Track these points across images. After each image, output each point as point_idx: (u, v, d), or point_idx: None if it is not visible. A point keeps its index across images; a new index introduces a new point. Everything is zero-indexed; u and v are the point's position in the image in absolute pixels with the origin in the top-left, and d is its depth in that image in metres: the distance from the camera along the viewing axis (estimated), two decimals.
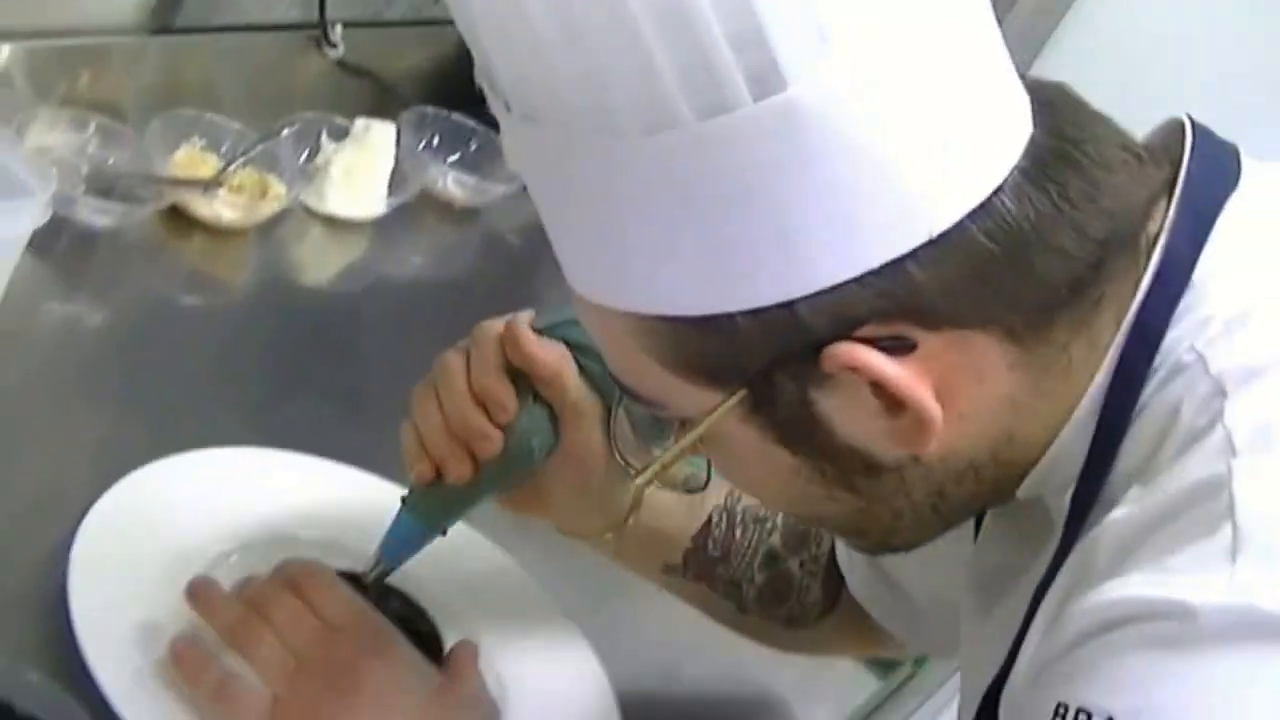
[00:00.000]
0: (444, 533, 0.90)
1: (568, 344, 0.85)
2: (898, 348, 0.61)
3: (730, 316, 0.61)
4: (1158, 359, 0.64)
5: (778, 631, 1.01)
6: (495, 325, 0.85)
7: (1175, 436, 0.62)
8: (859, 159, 0.58)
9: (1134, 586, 0.59)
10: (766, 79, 0.56)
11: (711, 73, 0.56)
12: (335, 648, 0.83)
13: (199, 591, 0.86)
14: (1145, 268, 0.65)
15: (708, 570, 0.96)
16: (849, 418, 0.64)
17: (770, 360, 0.62)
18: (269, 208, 1.32)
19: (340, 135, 1.42)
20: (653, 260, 0.61)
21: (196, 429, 1.03)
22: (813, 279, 0.60)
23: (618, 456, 0.80)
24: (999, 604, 0.74)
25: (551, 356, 0.84)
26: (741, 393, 0.64)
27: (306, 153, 1.40)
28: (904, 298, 0.60)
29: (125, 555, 0.89)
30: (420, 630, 0.94)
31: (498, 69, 0.61)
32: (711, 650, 1.12)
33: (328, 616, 0.84)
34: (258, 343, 1.23)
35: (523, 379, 0.85)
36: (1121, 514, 0.62)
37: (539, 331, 0.85)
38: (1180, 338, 0.64)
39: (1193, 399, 0.62)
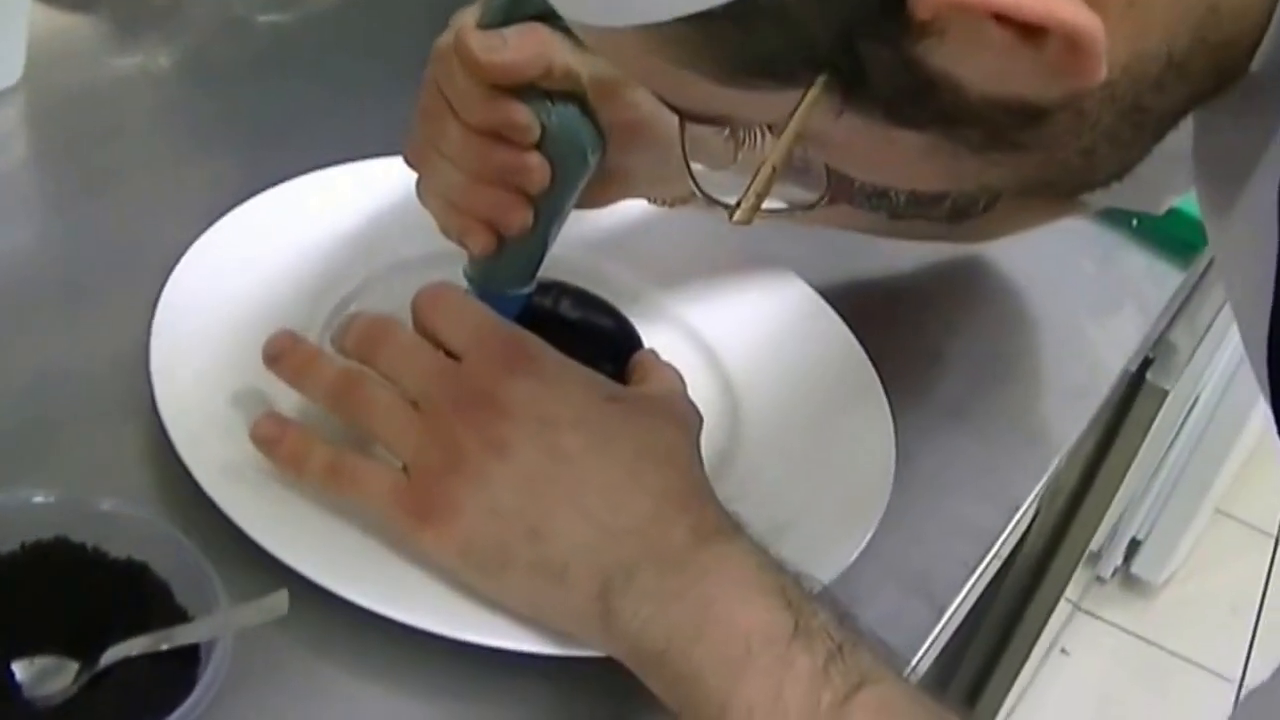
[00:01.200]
0: (534, 282, 0.70)
1: (540, 17, 0.64)
2: None
3: None
4: None
5: (938, 227, 0.84)
6: (451, 44, 0.64)
7: None
8: None
9: None
10: None
11: None
12: (464, 379, 0.64)
13: (280, 351, 0.66)
14: None
15: (843, 190, 0.77)
16: (976, 68, 0.46)
17: (844, 30, 0.45)
18: None
19: None
20: None
21: (311, 153, 0.84)
22: None
23: (698, 193, 0.61)
24: (1240, 196, 0.54)
25: (530, 51, 0.63)
26: (821, 80, 0.47)
27: None
28: None
29: (220, 320, 0.72)
30: (602, 329, 0.74)
31: None
32: (967, 289, 0.93)
33: (449, 343, 0.65)
34: (364, 43, 1.03)
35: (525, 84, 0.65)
36: None
37: (500, 24, 0.64)
38: None
39: None
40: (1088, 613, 2.22)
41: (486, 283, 0.69)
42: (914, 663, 0.69)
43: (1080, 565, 1.27)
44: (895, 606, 0.70)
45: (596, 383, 0.66)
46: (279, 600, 0.57)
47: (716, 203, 0.59)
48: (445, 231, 0.69)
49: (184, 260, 0.74)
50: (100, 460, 0.67)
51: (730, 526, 0.62)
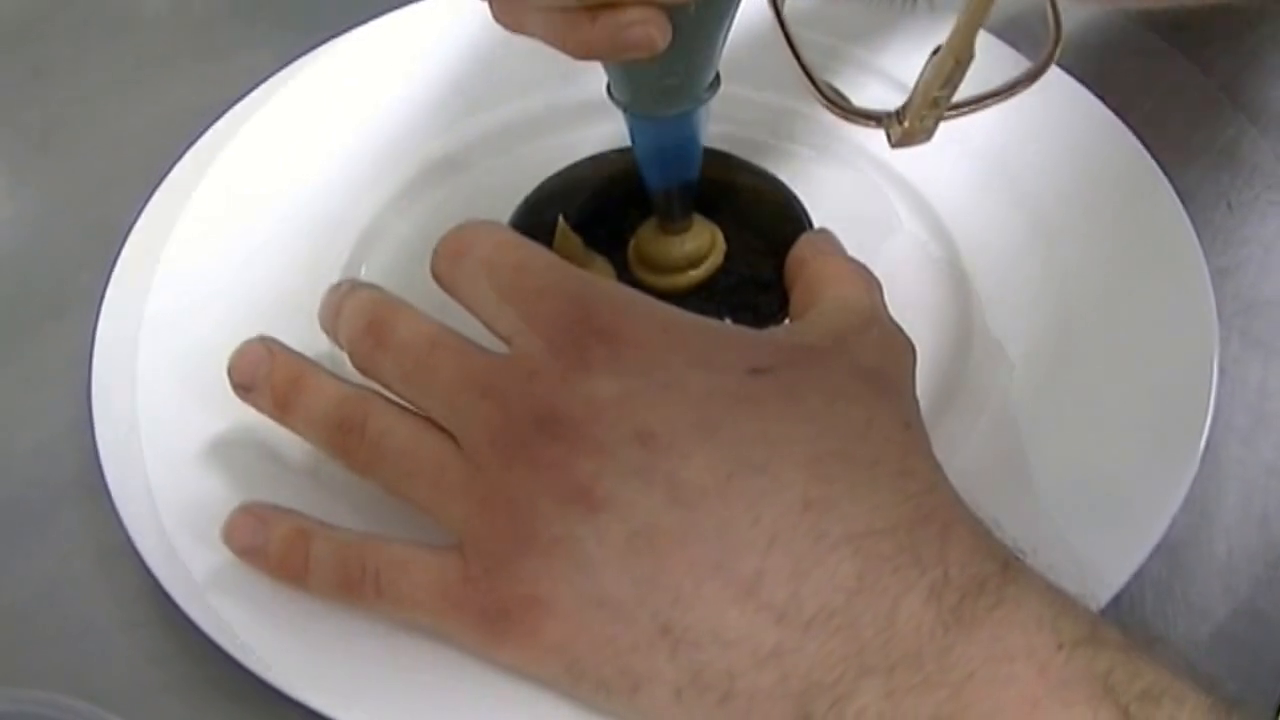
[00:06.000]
0: (714, 86, 0.44)
1: None
2: None
3: None
4: None
5: None
6: None
7: None
8: None
9: None
10: None
11: None
12: (514, 387, 0.40)
13: (252, 375, 0.43)
14: None
15: None
16: None
17: None
18: None
19: None
20: None
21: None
22: None
23: (820, 96, 0.38)
24: None
25: None
26: None
27: None
28: None
29: (195, 328, 0.49)
30: (744, 205, 0.50)
31: None
32: None
33: (489, 323, 0.42)
34: None
35: None
36: None
37: None
38: None
39: None
40: None
41: (661, 97, 0.43)
42: None
43: None
44: None
45: (729, 344, 0.42)
46: None
47: (859, 116, 0.34)
48: (577, 50, 0.39)
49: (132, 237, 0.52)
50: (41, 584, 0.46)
51: (996, 567, 0.37)
